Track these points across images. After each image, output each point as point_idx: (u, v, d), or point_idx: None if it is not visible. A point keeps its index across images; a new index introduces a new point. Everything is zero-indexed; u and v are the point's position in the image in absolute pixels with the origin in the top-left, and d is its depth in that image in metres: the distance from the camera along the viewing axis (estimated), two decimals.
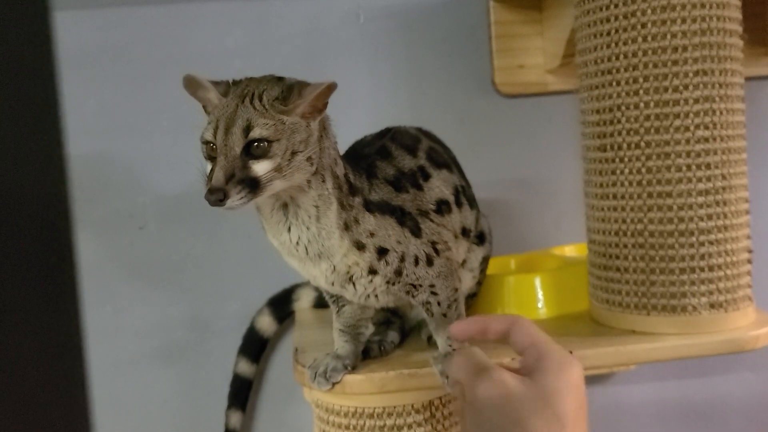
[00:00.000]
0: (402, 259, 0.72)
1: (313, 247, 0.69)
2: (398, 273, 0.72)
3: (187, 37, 1.08)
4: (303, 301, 1.08)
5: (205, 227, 1.10)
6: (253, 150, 0.62)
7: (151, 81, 1.07)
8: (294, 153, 0.63)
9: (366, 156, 0.76)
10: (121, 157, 1.08)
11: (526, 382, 0.55)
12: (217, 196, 0.60)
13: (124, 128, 1.07)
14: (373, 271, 0.71)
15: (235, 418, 1.07)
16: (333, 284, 0.73)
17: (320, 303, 1.06)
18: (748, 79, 0.83)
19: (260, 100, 0.63)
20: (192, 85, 0.65)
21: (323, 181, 0.67)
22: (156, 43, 1.07)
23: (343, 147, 0.73)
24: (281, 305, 1.08)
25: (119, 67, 1.07)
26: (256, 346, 1.08)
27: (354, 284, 0.72)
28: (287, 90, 0.64)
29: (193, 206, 1.09)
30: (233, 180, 0.61)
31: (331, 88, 0.63)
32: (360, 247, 0.70)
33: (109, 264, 1.08)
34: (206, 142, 0.65)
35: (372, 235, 0.70)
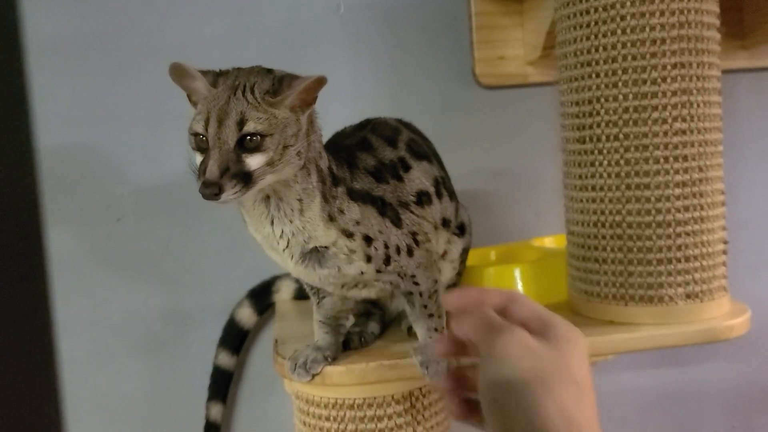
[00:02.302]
0: (386, 246, 0.72)
1: (297, 239, 0.69)
2: (387, 261, 0.72)
3: (166, 25, 1.07)
4: (283, 293, 1.08)
5: (183, 219, 1.09)
6: (246, 143, 0.62)
7: (129, 70, 1.06)
8: (285, 147, 0.63)
9: (347, 147, 0.76)
10: (98, 148, 1.06)
11: (544, 343, 0.53)
12: (212, 190, 0.60)
13: (100, 119, 1.06)
14: (368, 259, 0.71)
15: (216, 410, 1.06)
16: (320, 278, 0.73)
17: (300, 295, 1.06)
18: (724, 72, 0.84)
19: (252, 92, 0.63)
20: (179, 73, 0.64)
21: (308, 175, 0.67)
22: (133, 32, 1.06)
23: (324, 138, 0.73)
24: (261, 297, 1.08)
25: (95, 57, 1.05)
26: (236, 338, 1.08)
27: (341, 269, 0.72)
28: (278, 82, 0.63)
29: (172, 198, 1.08)
30: (228, 174, 0.60)
31: (320, 81, 0.63)
32: (349, 235, 0.70)
33: (86, 256, 1.07)
34: (196, 134, 0.63)
35: (358, 223, 0.70)
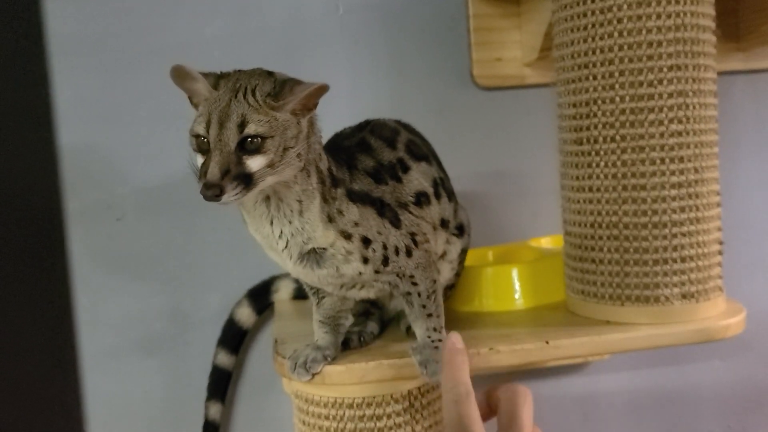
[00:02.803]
0: (385, 248, 0.73)
1: (296, 240, 0.70)
2: (385, 262, 0.73)
3: (167, 26, 1.07)
4: (282, 293, 1.08)
5: (184, 219, 1.09)
6: (247, 145, 0.62)
7: (130, 71, 1.07)
8: (286, 149, 0.64)
9: (346, 148, 0.77)
10: (99, 147, 1.07)
11: None
12: (213, 191, 0.60)
13: (102, 118, 1.06)
14: (365, 260, 0.72)
15: (215, 409, 1.07)
16: (319, 278, 0.74)
17: (299, 294, 1.06)
18: (720, 74, 0.85)
19: (253, 95, 0.63)
20: (180, 75, 0.65)
21: (308, 176, 0.68)
22: (135, 33, 1.06)
23: (323, 139, 0.73)
24: (260, 297, 1.09)
25: (97, 57, 1.06)
26: (235, 338, 1.09)
27: (339, 269, 0.73)
28: (279, 86, 0.64)
29: (173, 197, 1.08)
30: (229, 175, 0.61)
31: (323, 89, 0.63)
32: (347, 236, 0.70)
33: (86, 256, 1.08)
34: (197, 136, 0.64)
35: (356, 224, 0.71)
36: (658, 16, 0.78)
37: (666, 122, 0.79)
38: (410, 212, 0.76)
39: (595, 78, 0.81)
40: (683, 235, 0.80)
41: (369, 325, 0.84)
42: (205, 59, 1.06)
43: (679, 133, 0.79)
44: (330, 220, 0.70)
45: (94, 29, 1.06)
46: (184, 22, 1.08)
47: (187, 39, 1.07)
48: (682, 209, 0.80)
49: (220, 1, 1.08)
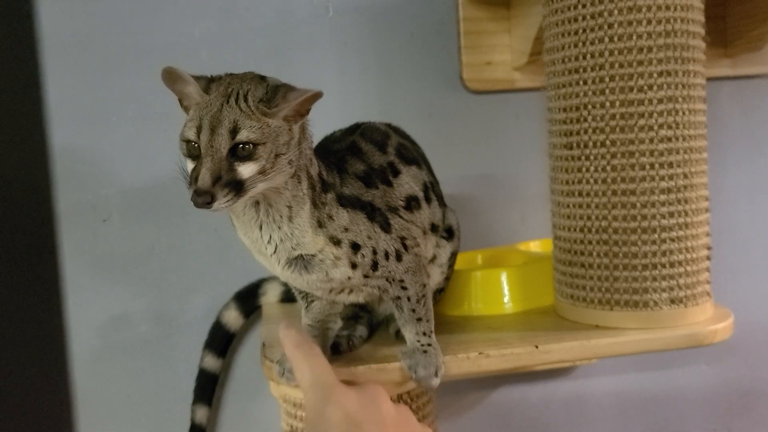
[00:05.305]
0: (375, 252, 0.72)
1: (284, 245, 0.69)
2: (375, 266, 0.72)
3: (154, 26, 1.06)
4: (270, 296, 1.07)
5: (170, 220, 1.08)
6: (238, 152, 0.61)
7: (117, 71, 1.05)
8: (278, 156, 0.63)
9: (336, 152, 0.76)
10: (84, 147, 1.06)
11: None
12: (204, 198, 0.59)
13: (87, 118, 1.05)
14: (353, 266, 0.71)
15: (201, 412, 1.06)
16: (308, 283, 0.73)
17: (287, 297, 1.05)
18: (708, 80, 0.86)
19: (245, 100, 0.62)
20: (171, 77, 0.64)
21: (299, 183, 0.67)
22: (122, 32, 1.05)
23: (313, 143, 0.73)
24: (248, 299, 1.08)
25: (83, 56, 1.05)
26: (222, 341, 1.08)
27: (328, 273, 0.72)
28: (272, 91, 0.63)
29: (159, 199, 1.07)
30: (220, 182, 0.60)
31: (316, 96, 0.63)
32: (336, 242, 0.70)
33: (70, 257, 1.06)
34: (187, 141, 0.63)
35: (346, 229, 0.70)
36: (649, 22, 0.79)
37: (656, 128, 0.79)
38: (400, 216, 0.75)
39: (585, 83, 0.81)
40: (672, 240, 0.81)
41: (358, 329, 0.84)
42: (193, 60, 1.06)
43: (669, 139, 0.80)
44: (320, 225, 0.69)
45: (80, 29, 1.04)
46: (172, 23, 1.07)
47: (174, 39, 1.07)
48: (671, 214, 0.80)
49: (209, 1, 1.07)
